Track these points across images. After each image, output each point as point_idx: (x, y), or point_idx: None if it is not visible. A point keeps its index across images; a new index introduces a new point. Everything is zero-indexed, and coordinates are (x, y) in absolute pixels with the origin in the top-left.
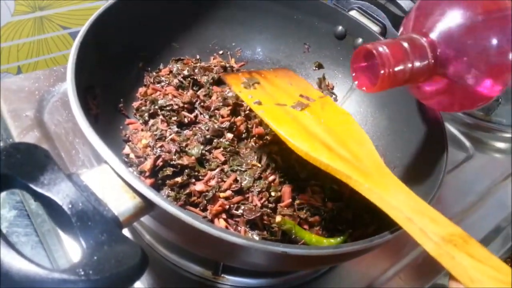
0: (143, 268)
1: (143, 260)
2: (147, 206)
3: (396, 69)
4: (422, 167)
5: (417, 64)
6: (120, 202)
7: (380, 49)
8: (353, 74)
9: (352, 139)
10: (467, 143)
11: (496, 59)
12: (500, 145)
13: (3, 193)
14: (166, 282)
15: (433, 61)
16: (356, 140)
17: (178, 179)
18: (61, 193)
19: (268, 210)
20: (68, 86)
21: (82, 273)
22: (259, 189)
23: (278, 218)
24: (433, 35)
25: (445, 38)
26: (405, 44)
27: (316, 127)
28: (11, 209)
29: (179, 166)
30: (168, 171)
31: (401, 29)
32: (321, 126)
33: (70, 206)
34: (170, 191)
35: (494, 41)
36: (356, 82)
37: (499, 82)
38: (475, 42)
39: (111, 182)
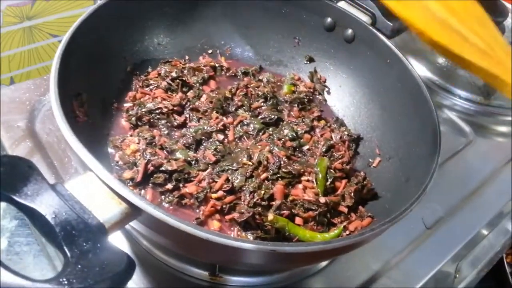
0: (129, 274)
1: (128, 266)
2: (134, 211)
3: None
4: (416, 156)
5: None
6: (105, 209)
7: None
8: None
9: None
10: (467, 128)
11: None
12: (502, 128)
13: (4, 204)
14: (164, 284)
15: None
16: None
17: (169, 186)
18: (44, 203)
19: (260, 209)
20: (51, 95)
21: (66, 282)
22: (251, 189)
23: (271, 217)
24: None
25: None
26: None
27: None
28: (12, 220)
29: (168, 170)
30: (160, 178)
31: None
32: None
33: (53, 216)
34: (163, 197)
35: None
36: None
37: None
38: None
39: (96, 189)
